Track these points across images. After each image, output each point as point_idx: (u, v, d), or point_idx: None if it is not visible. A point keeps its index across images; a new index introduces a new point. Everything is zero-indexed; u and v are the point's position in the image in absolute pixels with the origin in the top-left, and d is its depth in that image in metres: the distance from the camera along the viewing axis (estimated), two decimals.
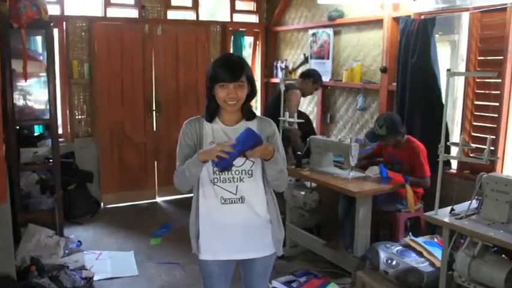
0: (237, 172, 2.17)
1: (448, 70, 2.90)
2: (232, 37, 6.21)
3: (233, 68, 2.11)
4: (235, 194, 2.18)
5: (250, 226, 2.22)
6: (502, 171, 3.71)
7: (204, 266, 2.30)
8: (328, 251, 3.89)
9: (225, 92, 2.11)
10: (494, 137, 3.57)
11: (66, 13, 5.33)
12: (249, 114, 2.23)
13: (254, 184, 2.21)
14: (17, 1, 3.89)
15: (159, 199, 5.98)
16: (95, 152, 5.61)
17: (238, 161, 2.12)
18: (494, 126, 3.74)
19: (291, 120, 4.20)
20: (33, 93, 4.45)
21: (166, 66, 5.83)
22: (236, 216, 2.20)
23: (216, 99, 2.15)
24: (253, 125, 2.22)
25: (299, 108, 5.18)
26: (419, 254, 3.28)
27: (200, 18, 6.08)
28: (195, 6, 6.01)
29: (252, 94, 2.20)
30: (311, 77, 4.97)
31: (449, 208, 2.91)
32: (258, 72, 6.53)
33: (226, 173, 2.16)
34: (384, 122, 3.84)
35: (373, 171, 3.82)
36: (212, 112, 2.21)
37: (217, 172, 2.15)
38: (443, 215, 2.88)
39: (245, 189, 2.19)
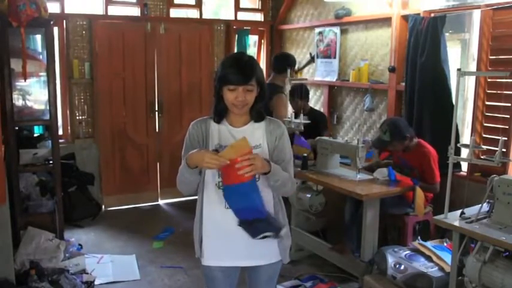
0: None
1: (459, 70, 2.86)
2: (236, 36, 6.16)
3: (244, 70, 2.04)
4: None
5: None
6: None
7: (208, 271, 2.25)
8: (335, 255, 3.84)
9: (233, 95, 2.05)
10: (506, 138, 3.50)
11: (66, 11, 5.29)
12: (257, 116, 2.17)
13: (261, 188, 2.12)
14: None
15: (161, 201, 5.94)
16: (96, 153, 5.57)
17: None
18: (506, 127, 3.70)
19: (297, 121, 4.11)
20: (33, 93, 4.43)
21: (169, 65, 5.78)
22: None
23: (224, 101, 2.09)
24: (261, 126, 2.17)
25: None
26: (428, 258, 3.24)
27: (204, 17, 6.03)
28: (199, 4, 5.97)
29: (261, 97, 2.14)
30: (276, 69, 4.52)
31: (459, 211, 2.85)
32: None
33: None
34: (387, 127, 3.80)
35: (382, 173, 3.75)
36: (220, 113, 2.15)
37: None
38: (453, 218, 2.82)
39: None
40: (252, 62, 2.10)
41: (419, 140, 3.88)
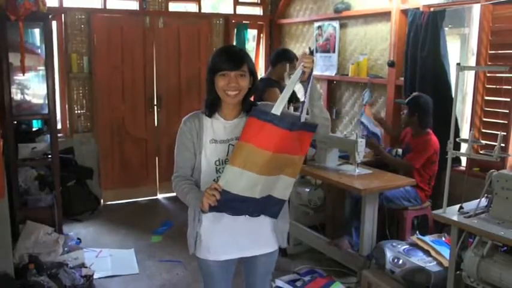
0: None
1: (458, 64, 2.83)
2: (235, 30, 6.14)
3: (234, 56, 2.04)
4: None
5: (253, 222, 2.13)
6: None
7: (205, 266, 2.23)
8: (333, 249, 3.84)
9: (225, 80, 2.02)
10: (505, 133, 3.52)
11: (64, 5, 5.27)
12: (250, 108, 2.11)
13: None
14: None
15: (160, 196, 5.94)
16: (94, 147, 5.56)
17: None
18: (505, 122, 3.70)
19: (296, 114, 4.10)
20: (31, 87, 4.40)
21: (168, 60, 5.76)
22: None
23: (217, 91, 2.06)
24: None
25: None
26: (427, 253, 3.24)
27: (203, 11, 6.01)
28: None
29: (253, 88, 2.11)
30: (276, 64, 4.46)
31: (457, 206, 2.85)
32: (262, 66, 6.45)
33: None
34: (415, 95, 3.91)
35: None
36: (211, 105, 2.11)
37: (221, 170, 2.06)
38: (451, 213, 2.82)
39: None
40: (243, 52, 2.11)
41: (429, 131, 3.88)
